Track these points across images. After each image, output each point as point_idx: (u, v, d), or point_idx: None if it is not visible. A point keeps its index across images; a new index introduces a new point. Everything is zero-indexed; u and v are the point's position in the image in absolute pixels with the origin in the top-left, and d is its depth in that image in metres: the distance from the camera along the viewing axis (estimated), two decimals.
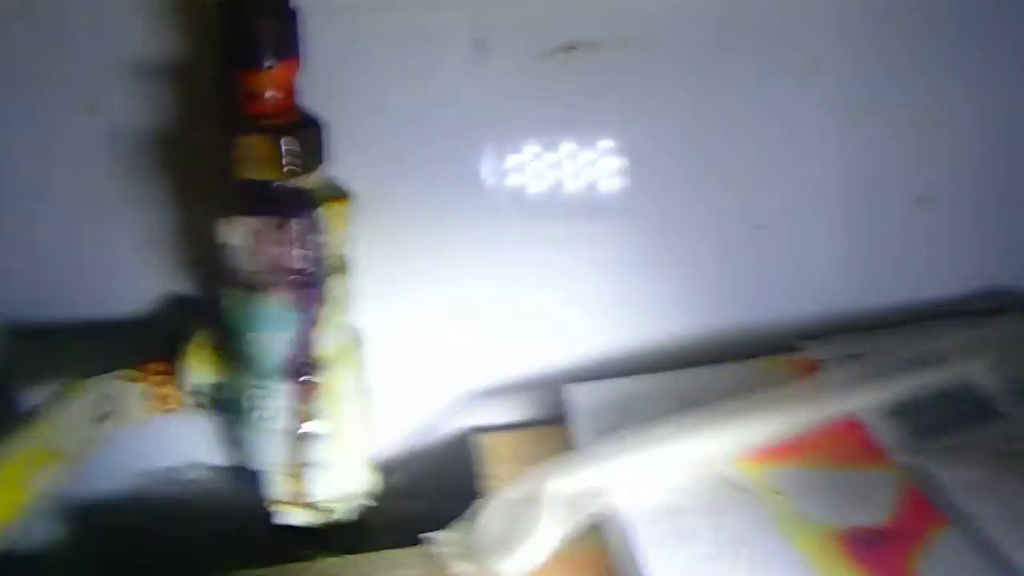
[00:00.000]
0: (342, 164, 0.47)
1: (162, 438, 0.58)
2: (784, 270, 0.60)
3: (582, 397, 0.57)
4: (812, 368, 0.57)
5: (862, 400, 0.53)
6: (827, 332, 0.60)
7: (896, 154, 0.58)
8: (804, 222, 0.58)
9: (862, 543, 0.44)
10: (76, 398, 0.45)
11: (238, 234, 0.44)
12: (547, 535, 0.45)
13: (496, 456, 0.56)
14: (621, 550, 0.46)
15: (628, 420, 0.52)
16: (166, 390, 0.49)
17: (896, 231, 0.60)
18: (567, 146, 0.54)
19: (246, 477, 0.57)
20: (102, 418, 0.47)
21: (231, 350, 0.49)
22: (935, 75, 0.56)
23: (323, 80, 0.46)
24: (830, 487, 0.48)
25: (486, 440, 0.58)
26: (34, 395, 0.52)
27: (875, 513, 0.46)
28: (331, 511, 0.53)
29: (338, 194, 0.47)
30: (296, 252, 0.45)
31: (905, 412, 0.52)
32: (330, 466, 0.50)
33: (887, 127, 0.57)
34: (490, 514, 0.47)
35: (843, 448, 0.50)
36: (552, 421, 0.58)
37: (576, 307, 0.58)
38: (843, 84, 0.56)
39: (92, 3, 0.46)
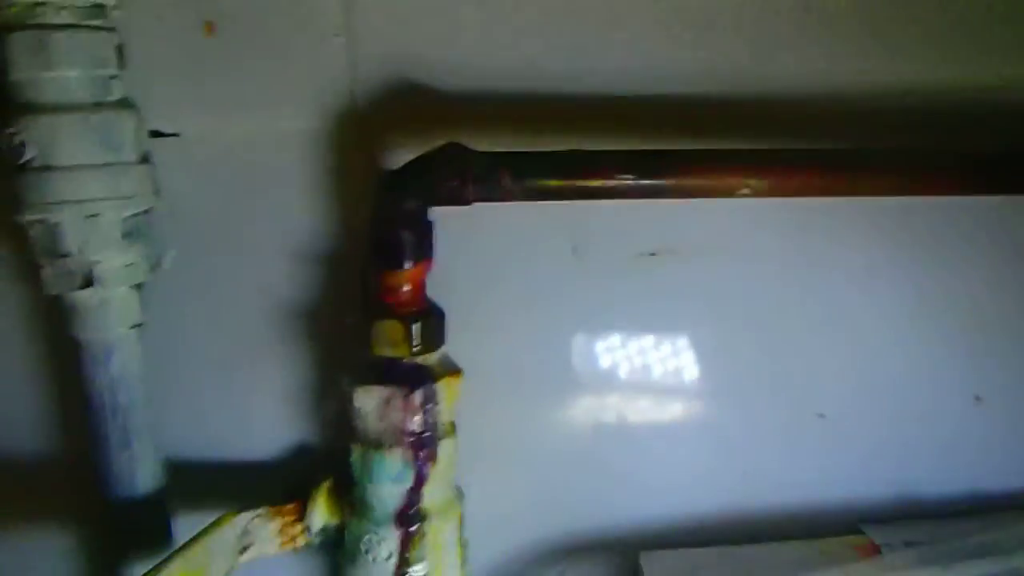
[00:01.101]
0: (455, 344, 0.57)
1: None
2: (845, 456, 0.65)
3: (656, 563, 0.62)
4: (873, 551, 0.61)
5: None
6: (889, 518, 0.64)
7: (952, 352, 0.64)
8: (864, 413, 0.64)
9: None
10: (224, 529, 0.54)
11: (370, 399, 0.54)
12: None
13: None
14: None
15: None
16: (296, 529, 0.57)
17: (954, 424, 0.65)
18: (649, 337, 0.62)
19: None
20: (243, 550, 0.55)
21: (352, 497, 0.57)
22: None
23: (444, 273, 0.56)
24: None
25: None
26: (184, 520, 0.61)
27: None
28: None
29: (453, 370, 0.56)
30: (417, 418, 0.54)
31: None
32: None
33: (943, 326, 0.63)
34: None
35: None
36: None
37: (652, 477, 0.65)
38: (901, 285, 0.63)
39: (266, 204, 0.59)
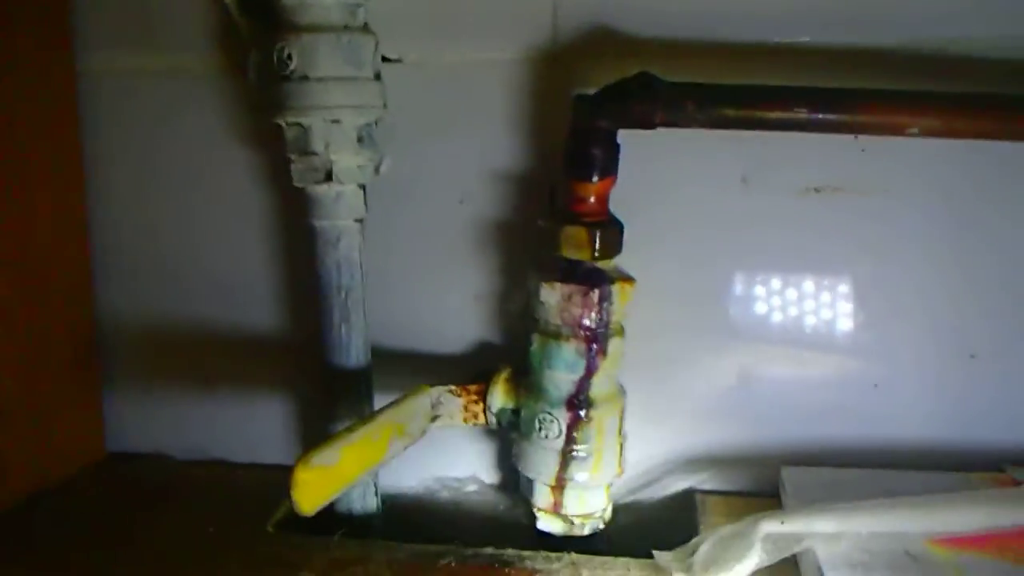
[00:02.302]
0: (629, 258, 0.64)
1: (451, 453, 0.76)
2: (994, 397, 0.67)
3: (796, 477, 0.67)
4: (1014, 485, 0.64)
5: None
6: None
7: None
8: (1017, 355, 0.67)
9: None
10: (420, 397, 0.63)
11: (554, 295, 0.61)
12: (754, 562, 0.56)
13: (714, 512, 0.68)
14: None
15: (835, 500, 0.62)
16: (478, 408, 0.66)
17: None
18: (806, 268, 0.67)
19: (514, 494, 0.73)
20: (434, 417, 0.65)
21: (528, 384, 0.65)
22: None
23: (626, 194, 0.63)
24: None
25: (708, 500, 0.70)
26: (380, 396, 0.71)
27: None
28: (576, 524, 0.67)
29: (626, 278, 0.63)
30: (592, 314, 0.61)
31: None
32: (585, 486, 0.65)
33: None
34: (708, 541, 0.59)
35: None
36: (768, 495, 0.69)
37: (800, 401, 0.70)
38: None
39: (470, 125, 0.68)
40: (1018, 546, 0.57)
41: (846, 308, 0.68)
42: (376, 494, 0.73)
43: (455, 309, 0.72)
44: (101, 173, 0.75)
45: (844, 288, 0.68)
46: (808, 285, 0.68)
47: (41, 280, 0.70)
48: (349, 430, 0.56)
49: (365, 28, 0.63)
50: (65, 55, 0.71)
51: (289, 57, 0.60)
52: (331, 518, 0.69)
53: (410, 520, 0.75)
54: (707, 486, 0.72)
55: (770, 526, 0.58)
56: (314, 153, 0.62)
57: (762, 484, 0.70)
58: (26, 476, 0.70)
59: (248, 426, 0.77)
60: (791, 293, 0.69)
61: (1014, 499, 0.60)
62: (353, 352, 0.68)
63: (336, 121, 0.62)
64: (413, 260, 0.72)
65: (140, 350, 0.78)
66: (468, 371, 0.69)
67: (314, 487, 0.51)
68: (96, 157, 0.74)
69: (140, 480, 0.75)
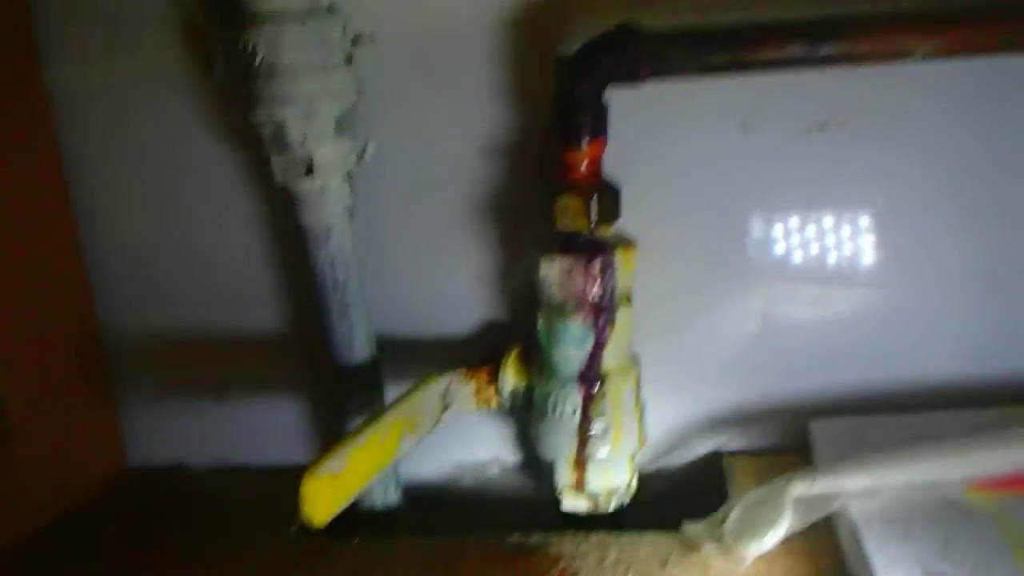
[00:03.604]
0: (631, 219, 0.61)
1: (470, 437, 0.74)
2: (1019, 329, 0.64)
3: (825, 430, 0.65)
4: None
5: None
6: None
7: None
8: None
9: None
10: (429, 387, 0.62)
11: (554, 269, 0.59)
12: (786, 527, 0.54)
13: (743, 475, 0.66)
14: (851, 546, 0.53)
15: (867, 452, 0.60)
16: (490, 391, 0.65)
17: None
18: (819, 210, 0.64)
19: (537, 473, 0.71)
20: (446, 406, 0.63)
21: (539, 362, 0.63)
22: None
23: (620, 153, 0.60)
24: None
25: (735, 461, 0.68)
26: (390, 388, 0.70)
27: None
28: (601, 501, 0.65)
29: (628, 243, 0.60)
30: (595, 285, 0.59)
31: None
32: (606, 461, 0.63)
33: None
34: (738, 508, 0.57)
35: None
36: (797, 450, 0.66)
37: (823, 347, 0.67)
38: None
39: (454, 98, 0.65)
40: None
41: (862, 244, 0.65)
42: (397, 487, 0.72)
43: (459, 291, 0.70)
44: (86, 187, 0.73)
45: (859, 224, 0.65)
46: (822, 223, 0.65)
47: (39, 300, 0.69)
48: (356, 432, 0.54)
49: (331, 9, 0.60)
50: (32, 71, 0.69)
51: (255, 50, 0.57)
52: (354, 517, 0.68)
53: (435, 509, 0.74)
54: (734, 446, 0.70)
55: (801, 487, 0.56)
56: (292, 147, 0.60)
57: (790, 438, 0.68)
58: (47, 498, 0.69)
59: (263, 429, 0.76)
60: (804, 234, 0.66)
61: None
62: (357, 347, 0.66)
63: (311, 112, 0.59)
64: (409, 245, 0.70)
65: (148, 362, 0.76)
66: (478, 352, 0.67)
67: (324, 497, 0.50)
68: (78, 171, 0.72)
69: (161, 495, 0.75)
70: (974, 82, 0.60)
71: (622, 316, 0.60)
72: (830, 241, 0.65)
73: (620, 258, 0.59)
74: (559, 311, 0.60)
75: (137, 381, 0.77)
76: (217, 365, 0.75)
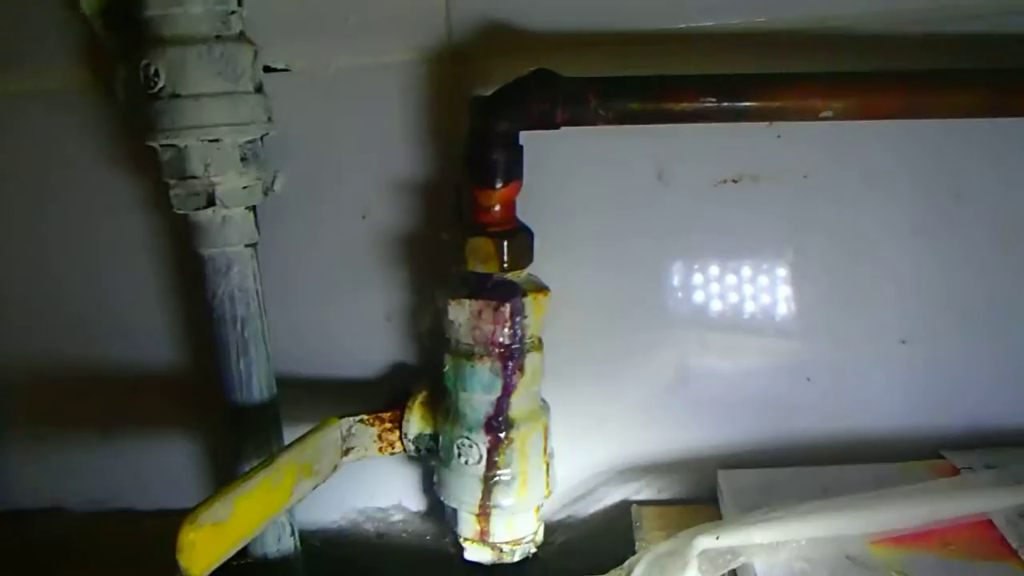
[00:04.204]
0: (544, 263, 0.60)
1: (373, 482, 0.71)
2: (926, 383, 0.65)
3: (733, 481, 0.64)
4: (952, 474, 0.62)
5: (996, 502, 0.57)
6: (971, 445, 0.65)
7: None
8: (946, 341, 0.65)
9: None
10: (329, 430, 0.59)
11: (462, 313, 0.57)
12: None
13: (651, 525, 0.65)
14: None
15: (772, 504, 0.59)
16: (393, 436, 0.62)
17: None
18: (732, 262, 0.64)
19: (441, 520, 0.69)
20: (346, 451, 0.60)
21: (445, 406, 0.61)
22: None
23: (534, 196, 0.59)
24: (957, 573, 0.53)
25: (644, 511, 0.67)
26: (290, 429, 0.66)
27: None
28: (506, 552, 0.63)
29: (540, 287, 0.59)
30: (505, 330, 0.57)
31: None
32: (511, 511, 0.61)
33: None
34: (643, 561, 0.56)
35: (972, 542, 0.55)
36: (706, 501, 0.66)
37: (733, 399, 0.67)
38: (988, 212, 0.62)
39: (367, 134, 0.63)
40: (961, 539, 0.55)
41: (776, 295, 0.66)
42: (293, 534, 0.68)
43: (366, 331, 0.68)
44: None
45: (773, 275, 0.65)
46: (737, 273, 0.65)
47: None
48: (245, 477, 0.51)
49: (241, 36, 0.58)
50: None
51: (156, 73, 0.55)
52: (243, 565, 0.64)
53: (333, 557, 0.71)
54: (642, 495, 0.69)
55: (706, 541, 0.55)
56: (193, 177, 0.57)
57: (699, 490, 0.68)
58: None
59: (152, 472, 0.71)
60: (719, 284, 0.66)
61: (952, 490, 0.58)
62: (256, 387, 0.63)
63: (215, 140, 0.57)
64: (317, 282, 0.67)
65: (28, 397, 0.71)
66: (384, 395, 0.64)
67: (204, 547, 0.47)
68: None
69: (36, 538, 0.69)
70: (884, 142, 0.61)
71: (532, 362, 0.59)
72: (745, 291, 0.66)
73: (532, 303, 0.58)
74: (467, 355, 0.58)
75: (16, 419, 0.72)
76: (106, 402, 0.71)
